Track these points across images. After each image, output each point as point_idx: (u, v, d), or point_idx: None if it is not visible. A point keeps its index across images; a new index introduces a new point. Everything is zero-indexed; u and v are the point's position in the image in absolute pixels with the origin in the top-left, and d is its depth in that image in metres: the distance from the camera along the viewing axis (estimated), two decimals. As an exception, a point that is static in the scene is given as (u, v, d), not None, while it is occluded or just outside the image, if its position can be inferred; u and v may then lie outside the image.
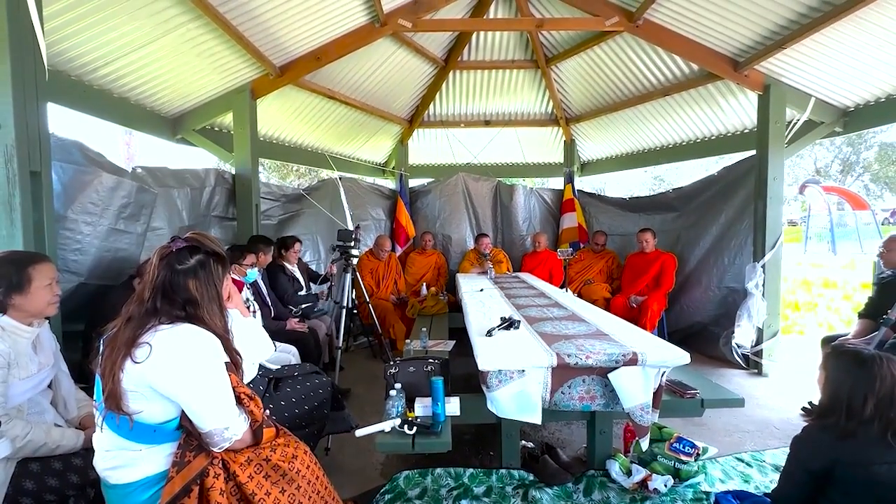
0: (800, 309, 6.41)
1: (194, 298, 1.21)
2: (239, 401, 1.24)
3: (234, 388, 1.23)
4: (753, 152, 3.77)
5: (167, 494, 1.12)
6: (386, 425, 1.85)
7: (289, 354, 2.85)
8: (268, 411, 1.45)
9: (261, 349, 1.55)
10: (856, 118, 3.60)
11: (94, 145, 2.49)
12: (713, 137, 4.60)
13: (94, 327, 2.11)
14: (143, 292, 1.19)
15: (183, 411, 1.16)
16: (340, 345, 3.48)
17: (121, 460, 1.17)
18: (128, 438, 1.15)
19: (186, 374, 1.13)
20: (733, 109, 4.17)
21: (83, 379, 1.85)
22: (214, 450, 1.17)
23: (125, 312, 1.19)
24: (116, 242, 2.61)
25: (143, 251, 2.78)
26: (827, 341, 2.96)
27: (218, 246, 1.31)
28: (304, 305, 3.70)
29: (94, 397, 1.20)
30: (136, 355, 1.11)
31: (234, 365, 1.27)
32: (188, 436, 1.18)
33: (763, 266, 3.58)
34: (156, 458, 1.17)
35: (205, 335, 1.19)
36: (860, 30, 2.82)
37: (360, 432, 1.86)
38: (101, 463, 1.20)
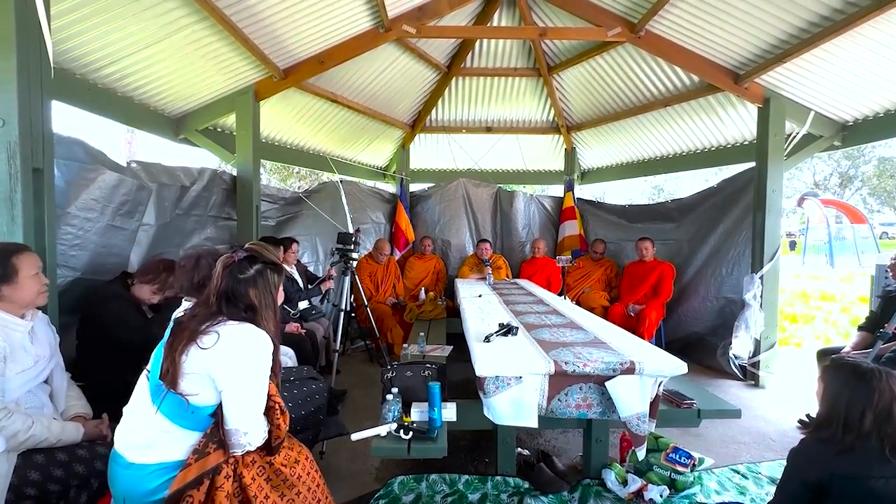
0: (797, 321, 6.42)
1: (254, 305, 1.30)
2: (271, 411, 1.32)
3: (271, 395, 1.31)
4: (753, 164, 3.79)
5: (180, 480, 1.16)
6: (382, 430, 1.84)
7: (286, 357, 2.84)
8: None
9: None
10: (854, 132, 3.63)
11: (96, 143, 2.50)
12: (713, 148, 4.63)
13: (87, 322, 2.11)
14: (209, 297, 1.29)
15: (220, 403, 1.24)
16: (338, 348, 3.47)
17: (149, 439, 1.22)
18: (171, 419, 1.22)
19: (241, 367, 1.22)
20: (733, 121, 4.20)
21: (78, 376, 1.84)
22: (230, 451, 1.23)
23: (192, 310, 1.31)
24: (112, 238, 2.62)
25: (133, 246, 2.79)
26: (823, 354, 2.96)
27: (275, 256, 1.40)
28: (302, 307, 3.69)
29: (149, 372, 1.28)
30: (203, 341, 1.21)
31: (274, 374, 1.33)
32: (215, 427, 1.23)
33: (761, 277, 3.59)
34: (180, 444, 1.22)
35: (266, 338, 1.29)
36: (859, 45, 2.85)
37: (355, 436, 1.85)
38: (127, 437, 1.24)
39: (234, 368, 1.21)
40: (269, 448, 1.32)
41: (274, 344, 1.32)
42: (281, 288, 1.44)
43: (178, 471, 1.19)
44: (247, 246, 1.37)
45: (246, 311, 1.30)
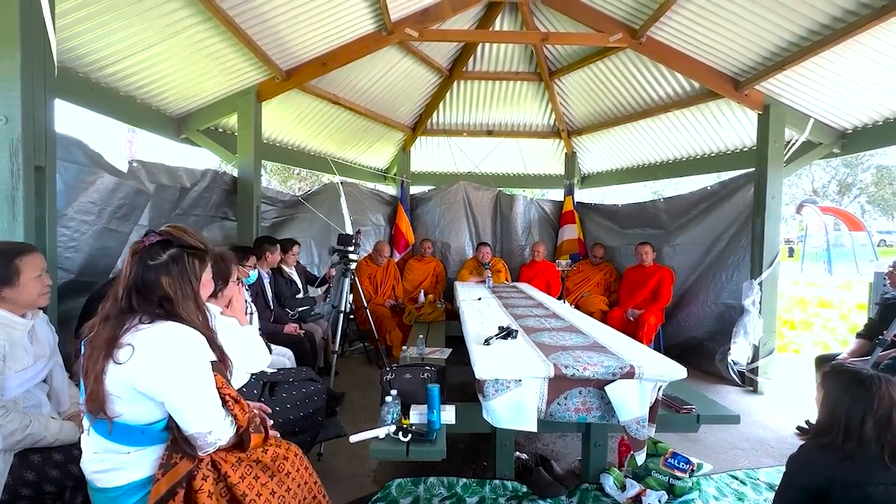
0: (796, 327, 6.43)
1: (168, 295, 1.14)
2: (224, 403, 1.20)
3: (218, 388, 1.18)
4: (752, 170, 3.81)
5: (154, 496, 1.09)
6: (380, 432, 1.84)
7: (284, 358, 2.83)
8: (268, 417, 1.43)
9: (256, 360, 1.54)
10: (853, 140, 3.65)
11: (96, 143, 2.51)
12: (713, 154, 4.65)
13: (86, 321, 2.10)
14: (117, 290, 1.14)
15: (170, 412, 1.14)
16: (336, 349, 3.47)
17: (109, 464, 1.14)
18: (115, 441, 1.12)
19: (170, 374, 1.09)
20: (733, 127, 4.22)
21: (74, 373, 1.84)
22: (200, 454, 1.14)
23: (101, 312, 1.15)
24: (107, 241, 2.63)
25: (124, 248, 2.79)
26: (821, 360, 2.96)
27: (194, 239, 1.23)
28: (300, 309, 3.69)
29: (82, 401, 1.17)
30: (118, 356, 1.07)
31: (222, 363, 1.23)
32: (175, 438, 1.14)
33: (760, 283, 3.60)
34: (144, 462, 1.14)
35: (188, 332, 1.14)
36: (858, 54, 2.87)
37: (354, 438, 1.84)
38: (89, 466, 1.17)
39: (162, 377, 1.08)
40: (240, 441, 1.22)
41: (204, 334, 1.18)
42: (208, 275, 1.28)
43: (148, 487, 1.12)
44: (162, 228, 1.21)
45: (161, 304, 1.14)
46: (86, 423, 1.17)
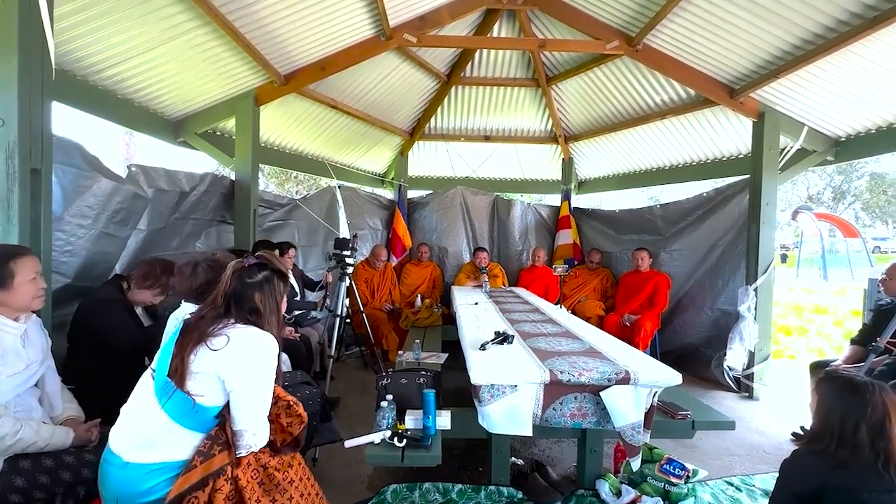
0: (791, 333, 6.45)
1: (258, 309, 1.35)
2: (285, 409, 1.40)
3: (278, 396, 1.39)
4: (747, 176, 3.84)
5: (184, 482, 1.17)
6: (376, 437, 1.83)
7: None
8: None
9: None
10: (847, 148, 3.68)
11: (93, 146, 2.50)
12: (709, 161, 4.68)
13: (79, 325, 2.09)
14: (217, 299, 1.35)
15: (226, 405, 1.27)
16: (332, 354, 3.45)
17: (149, 439, 1.22)
18: (174, 418, 1.23)
19: (251, 371, 1.27)
20: (728, 135, 4.25)
21: (67, 379, 1.82)
22: (235, 452, 1.25)
23: (199, 311, 1.36)
24: (104, 246, 2.60)
25: (122, 252, 2.77)
26: (816, 367, 2.97)
27: (282, 265, 1.47)
28: (297, 312, 3.68)
29: (154, 369, 1.30)
30: (213, 343, 1.25)
31: (276, 376, 1.38)
32: (220, 429, 1.25)
33: (755, 289, 3.62)
34: (181, 444, 1.23)
35: (273, 342, 1.34)
36: (851, 63, 2.91)
37: (349, 443, 1.84)
38: (125, 438, 1.24)
39: (244, 370, 1.26)
40: (292, 444, 1.41)
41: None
42: (285, 297, 1.49)
43: (176, 471, 1.20)
44: (258, 254, 1.46)
45: (250, 314, 1.34)
46: (148, 391, 1.27)
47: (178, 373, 1.23)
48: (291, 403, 1.42)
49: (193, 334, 1.27)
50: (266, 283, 1.39)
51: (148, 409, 1.25)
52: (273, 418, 1.39)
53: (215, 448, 1.23)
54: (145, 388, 1.30)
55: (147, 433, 1.24)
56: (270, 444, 1.37)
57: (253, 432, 1.27)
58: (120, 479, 1.22)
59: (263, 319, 1.36)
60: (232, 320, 1.31)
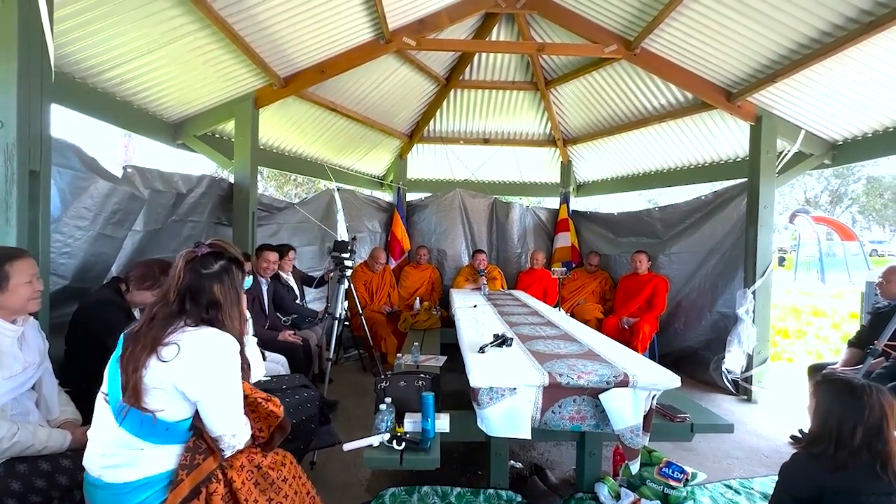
0: (789, 336, 6.46)
1: (218, 301, 1.25)
2: (256, 405, 1.32)
3: (248, 394, 1.30)
4: (745, 180, 3.85)
5: (175, 497, 1.13)
6: (374, 440, 1.83)
7: (278, 365, 2.82)
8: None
9: (251, 370, 1.54)
10: (844, 151, 3.70)
11: (91, 148, 2.50)
12: (706, 164, 4.70)
13: (77, 328, 2.08)
14: (169, 294, 1.22)
15: (196, 413, 1.20)
16: (331, 356, 3.44)
17: (121, 459, 1.16)
18: (140, 437, 1.16)
19: (210, 377, 1.18)
20: (726, 138, 4.27)
21: (65, 381, 1.81)
22: (222, 455, 1.21)
23: (149, 312, 1.23)
24: (102, 247, 2.60)
25: (119, 253, 2.77)
26: (814, 370, 2.98)
27: (238, 252, 1.36)
28: (295, 316, 3.67)
29: (106, 393, 1.20)
30: (162, 354, 1.14)
31: (244, 371, 1.31)
32: (198, 438, 1.20)
33: (753, 292, 3.62)
34: (157, 459, 1.17)
35: (229, 340, 1.23)
36: (847, 67, 2.93)
37: (347, 446, 1.83)
38: (97, 461, 1.18)
39: (203, 379, 1.17)
40: (278, 432, 1.34)
41: (240, 343, 1.28)
42: (243, 288, 1.38)
43: (164, 482, 1.16)
44: (210, 241, 1.33)
45: (209, 309, 1.24)
46: (107, 414, 1.18)
47: (129, 389, 1.12)
48: (262, 399, 1.33)
49: (144, 343, 1.15)
50: (225, 274, 1.27)
51: (110, 432, 1.17)
52: (258, 411, 1.33)
53: (198, 458, 1.18)
54: (102, 411, 1.20)
55: (119, 454, 1.16)
56: (258, 443, 1.33)
57: (232, 433, 1.22)
58: (106, 499, 1.17)
59: (224, 313, 1.25)
60: (182, 323, 1.20)
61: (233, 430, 1.23)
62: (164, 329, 1.18)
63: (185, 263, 1.25)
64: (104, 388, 1.22)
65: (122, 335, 1.25)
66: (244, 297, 1.39)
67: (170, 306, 1.21)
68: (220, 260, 1.28)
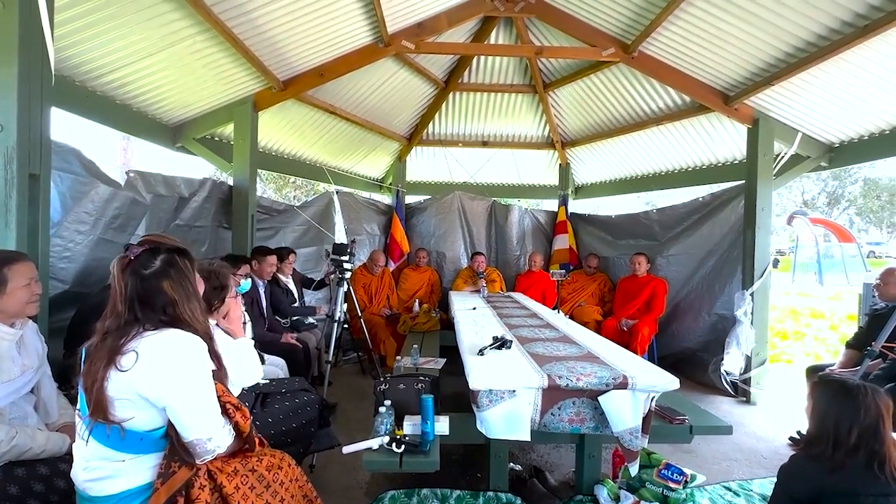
0: (787, 338, 6.48)
1: (172, 299, 1.16)
2: (224, 411, 1.22)
3: (219, 397, 1.21)
4: (742, 182, 3.87)
5: None
6: (374, 443, 1.82)
7: (277, 368, 2.81)
8: (260, 427, 1.44)
9: (248, 374, 1.52)
10: (840, 154, 3.72)
11: (91, 151, 2.50)
12: (704, 167, 4.72)
13: (77, 331, 2.09)
14: (116, 305, 1.14)
15: (169, 420, 1.14)
16: (330, 359, 3.44)
17: (103, 472, 1.14)
18: (115, 449, 1.12)
19: (174, 380, 1.11)
20: (723, 141, 4.29)
21: (64, 384, 1.81)
22: (197, 461, 1.15)
23: (101, 328, 1.15)
24: (103, 252, 2.61)
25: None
26: (812, 371, 2.98)
27: (175, 241, 1.25)
28: (295, 318, 3.67)
29: (79, 410, 1.17)
30: (121, 363, 1.08)
31: (220, 371, 1.25)
32: (173, 446, 1.15)
33: (752, 294, 3.63)
34: (139, 470, 1.14)
35: (192, 340, 1.16)
36: (843, 71, 2.95)
37: (347, 449, 1.83)
38: (81, 475, 1.16)
39: (166, 383, 1.10)
40: (246, 444, 1.26)
41: (205, 338, 1.20)
42: (196, 275, 1.28)
43: (146, 494, 1.13)
44: (140, 239, 1.22)
45: (164, 309, 1.16)
46: (81, 429, 1.16)
47: (95, 403, 1.08)
48: (233, 405, 1.25)
49: (100, 356, 1.10)
50: (170, 267, 1.18)
51: (86, 446, 1.14)
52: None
53: (174, 465, 1.13)
54: (78, 425, 1.18)
55: (101, 467, 1.13)
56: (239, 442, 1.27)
57: (208, 437, 1.14)
58: None
59: (181, 309, 1.17)
60: (140, 329, 1.13)
61: (207, 433, 1.14)
62: (120, 338, 1.11)
63: (121, 271, 1.15)
64: (78, 403, 1.18)
65: (83, 350, 1.19)
66: (227, 309, 1.34)
67: (122, 317, 1.13)
68: (158, 255, 1.18)
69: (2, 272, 1.46)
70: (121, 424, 1.09)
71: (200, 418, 1.14)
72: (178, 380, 1.11)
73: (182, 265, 1.21)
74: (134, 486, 1.14)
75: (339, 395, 3.52)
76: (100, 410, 1.08)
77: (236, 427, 1.24)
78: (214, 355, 1.23)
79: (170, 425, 1.14)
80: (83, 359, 1.17)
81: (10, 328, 1.50)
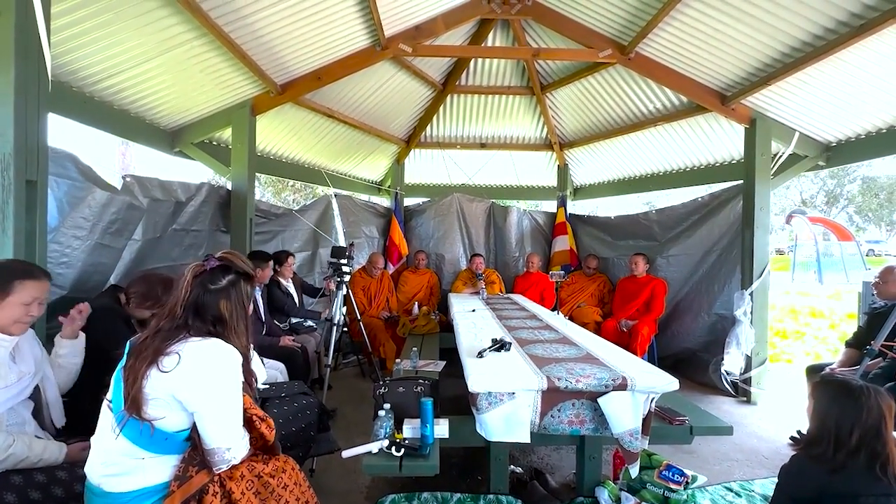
0: (787, 337, 6.47)
1: (224, 318, 1.24)
2: (251, 423, 1.28)
3: (247, 409, 1.27)
4: (741, 182, 3.88)
5: None
6: (373, 446, 1.82)
7: (276, 371, 2.81)
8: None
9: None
10: (838, 153, 3.73)
11: (89, 156, 2.50)
12: (702, 167, 4.72)
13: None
14: (175, 308, 1.22)
15: (194, 424, 1.19)
16: (329, 363, 3.43)
17: (122, 468, 1.17)
18: (140, 446, 1.16)
19: (209, 388, 1.16)
20: (721, 141, 4.30)
21: (62, 389, 1.80)
22: (215, 469, 1.19)
23: (154, 325, 1.22)
24: (100, 257, 2.60)
25: (118, 263, 2.76)
26: (812, 370, 2.98)
27: (248, 265, 1.34)
28: (294, 321, 3.66)
29: (111, 402, 1.21)
30: (163, 364, 1.14)
31: (248, 385, 1.30)
32: (193, 450, 1.19)
33: (751, 294, 3.63)
34: (157, 469, 1.18)
35: (232, 353, 1.22)
36: (839, 70, 2.96)
37: (346, 453, 1.82)
38: (98, 469, 1.19)
39: (201, 389, 1.15)
40: (267, 450, 1.32)
41: (244, 356, 1.26)
42: (252, 301, 1.37)
43: (161, 493, 1.16)
44: (219, 254, 1.30)
45: (215, 324, 1.23)
46: (112, 425, 1.18)
47: (130, 399, 1.13)
48: (258, 417, 1.30)
49: (145, 354, 1.15)
50: (232, 289, 1.26)
51: (111, 440, 1.17)
52: (250, 428, 1.31)
53: (191, 470, 1.17)
54: (105, 418, 1.22)
55: (118, 462, 1.17)
56: (262, 448, 1.32)
57: (227, 447, 1.19)
58: None
59: (230, 329, 1.24)
60: (187, 334, 1.19)
61: (228, 443, 1.19)
62: (167, 340, 1.17)
63: (193, 278, 1.24)
64: (109, 395, 1.23)
65: (129, 343, 1.25)
66: (249, 310, 1.38)
67: (175, 320, 1.21)
68: (228, 275, 1.27)
69: (12, 283, 1.44)
70: (152, 423, 1.14)
71: (224, 428, 1.19)
72: (211, 388, 1.17)
73: (243, 290, 1.30)
74: (150, 485, 1.17)
75: (338, 399, 3.51)
76: (135, 406, 1.13)
77: (262, 437, 1.30)
78: (247, 370, 1.30)
79: (194, 429, 1.19)
80: (127, 353, 1.22)
81: (5, 336, 1.49)
